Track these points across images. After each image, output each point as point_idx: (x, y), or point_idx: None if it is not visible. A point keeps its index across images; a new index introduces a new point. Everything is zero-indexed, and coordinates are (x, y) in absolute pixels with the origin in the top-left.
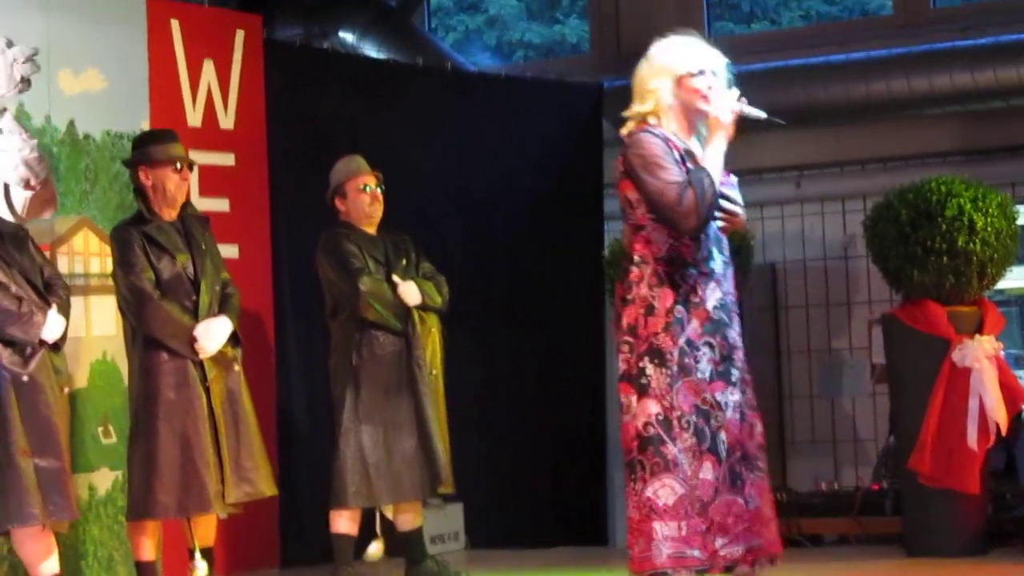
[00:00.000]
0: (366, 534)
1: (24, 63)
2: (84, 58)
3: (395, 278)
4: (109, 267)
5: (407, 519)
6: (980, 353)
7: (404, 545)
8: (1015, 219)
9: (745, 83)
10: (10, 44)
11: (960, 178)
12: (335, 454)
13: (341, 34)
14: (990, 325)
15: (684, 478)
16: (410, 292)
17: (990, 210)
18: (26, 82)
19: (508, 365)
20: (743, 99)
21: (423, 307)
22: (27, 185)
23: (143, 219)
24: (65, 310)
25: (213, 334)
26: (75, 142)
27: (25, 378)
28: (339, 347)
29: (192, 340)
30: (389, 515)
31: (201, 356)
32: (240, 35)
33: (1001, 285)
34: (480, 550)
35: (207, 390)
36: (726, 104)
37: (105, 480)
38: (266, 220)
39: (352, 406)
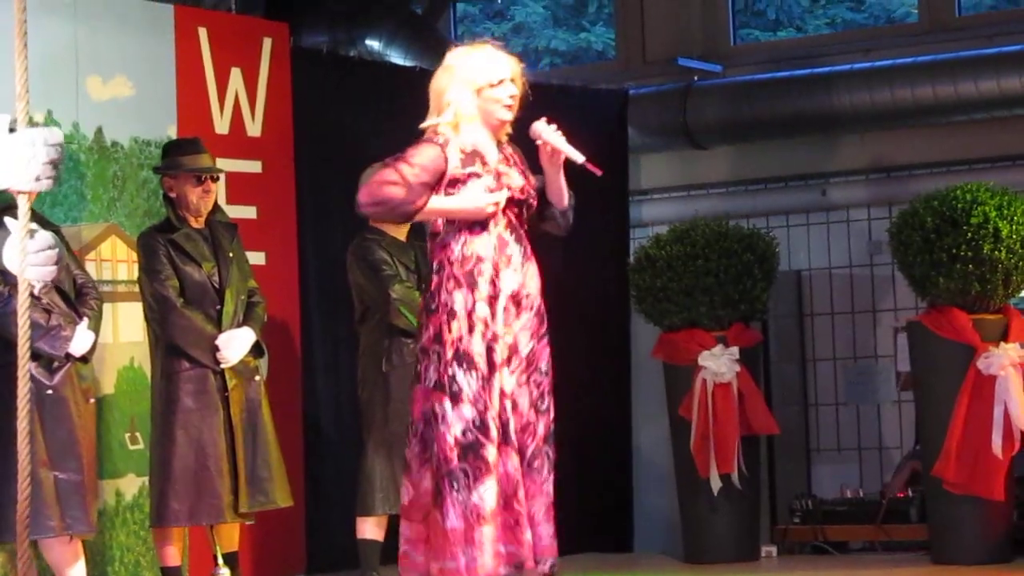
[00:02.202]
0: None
1: (46, 163)
2: (112, 65)
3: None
4: (136, 274)
5: None
6: (1005, 361)
7: None
8: None
9: (771, 90)
10: (50, 142)
11: (985, 185)
12: (362, 460)
13: (367, 41)
14: (1015, 333)
15: (499, 476)
16: None
17: (1015, 217)
18: (47, 180)
19: None
20: (559, 134)
21: None
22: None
23: (170, 226)
24: (96, 324)
25: (235, 344)
26: (103, 149)
27: (49, 391)
28: (368, 353)
29: (214, 349)
30: None
31: (223, 365)
32: (267, 43)
33: None
34: None
35: (226, 399)
36: (546, 134)
37: (132, 486)
38: (293, 227)
39: (381, 413)
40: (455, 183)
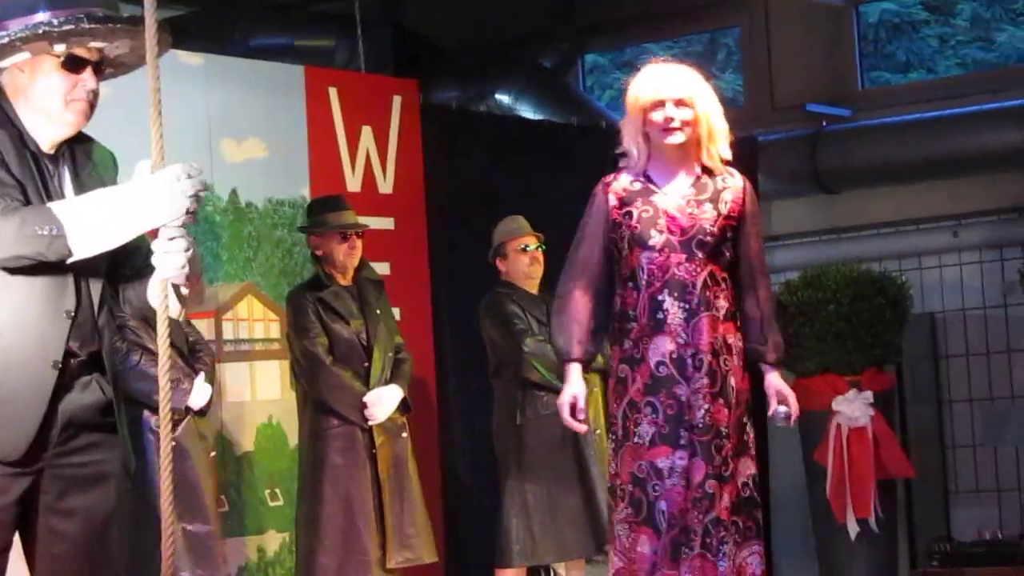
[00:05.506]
0: None
1: (191, 196)
2: (245, 127)
3: None
4: (273, 332)
5: None
6: None
7: None
8: None
9: (901, 133)
10: (190, 175)
11: None
12: (500, 513)
13: (497, 96)
14: None
15: (623, 551)
16: None
17: None
18: (192, 214)
19: None
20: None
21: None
22: (186, 282)
23: (319, 284)
24: (211, 377)
25: (384, 402)
26: (237, 210)
27: (172, 443)
28: (502, 406)
29: (362, 406)
30: (562, 571)
31: (371, 423)
32: (397, 100)
33: None
34: None
35: (373, 456)
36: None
37: (273, 542)
38: (426, 282)
39: (516, 465)
40: (617, 226)
